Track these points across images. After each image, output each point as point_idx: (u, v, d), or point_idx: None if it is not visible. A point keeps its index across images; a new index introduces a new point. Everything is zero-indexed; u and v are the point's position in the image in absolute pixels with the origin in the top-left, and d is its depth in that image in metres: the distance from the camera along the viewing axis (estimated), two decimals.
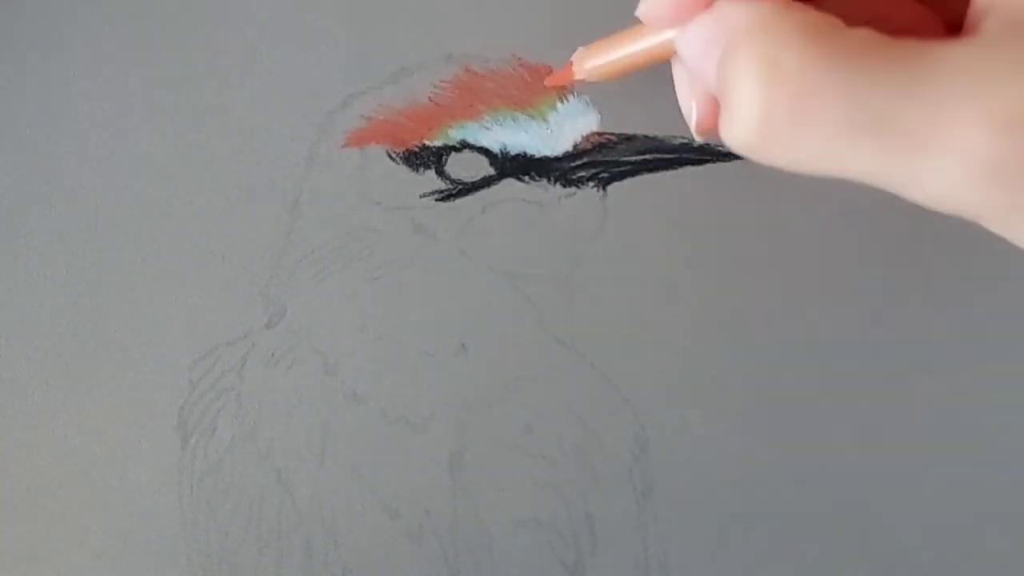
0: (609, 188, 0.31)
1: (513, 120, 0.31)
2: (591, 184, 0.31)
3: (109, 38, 0.33)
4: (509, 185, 0.31)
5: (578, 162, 0.31)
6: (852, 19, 0.19)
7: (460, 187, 0.31)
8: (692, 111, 0.21)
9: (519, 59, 0.31)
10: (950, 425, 0.30)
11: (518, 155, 0.31)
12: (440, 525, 0.30)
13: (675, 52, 0.22)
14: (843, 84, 0.16)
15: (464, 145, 0.31)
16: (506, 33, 0.31)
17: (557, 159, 0.31)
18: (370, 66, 0.32)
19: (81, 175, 0.33)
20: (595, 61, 0.26)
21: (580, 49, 0.27)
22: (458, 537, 0.30)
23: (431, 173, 0.31)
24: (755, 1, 0.18)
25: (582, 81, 0.27)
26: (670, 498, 0.30)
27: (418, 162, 0.31)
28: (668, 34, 0.21)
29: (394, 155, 0.31)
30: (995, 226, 0.17)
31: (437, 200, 0.31)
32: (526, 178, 0.31)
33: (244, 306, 0.31)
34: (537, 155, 0.31)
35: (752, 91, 0.17)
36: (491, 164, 0.31)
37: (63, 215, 0.32)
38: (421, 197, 0.31)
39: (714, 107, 0.20)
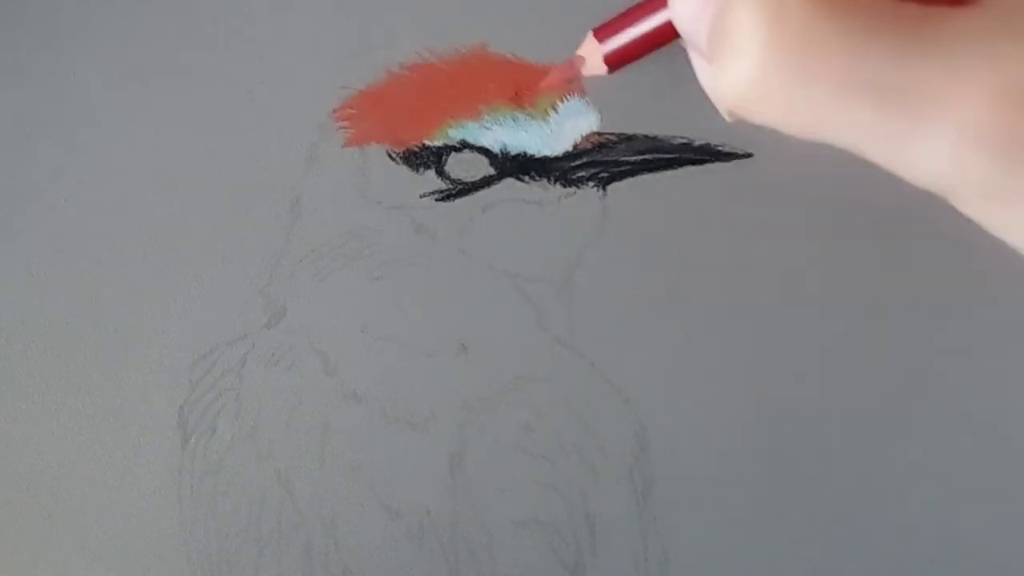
0: (609, 188, 0.31)
1: (513, 120, 0.31)
2: (591, 184, 0.31)
3: (109, 39, 0.33)
4: (509, 185, 0.31)
5: (578, 162, 0.31)
6: None
7: (460, 187, 0.31)
8: (715, 91, 0.20)
9: (518, 57, 0.31)
10: (953, 425, 0.30)
11: (518, 155, 0.31)
12: (440, 525, 0.30)
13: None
14: (847, 40, 0.15)
15: (464, 145, 0.31)
16: (508, 34, 0.31)
17: (557, 159, 0.31)
18: (372, 65, 0.32)
19: (80, 175, 0.33)
20: (607, 49, 0.25)
21: (587, 42, 0.26)
22: (458, 537, 0.30)
23: (431, 173, 0.31)
24: None
25: (587, 78, 0.26)
26: (670, 498, 0.30)
27: (418, 162, 0.31)
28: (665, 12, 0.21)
29: (394, 155, 0.31)
30: (972, 206, 0.16)
31: (437, 200, 0.31)
32: (526, 178, 0.31)
33: (244, 306, 0.31)
34: (537, 155, 0.31)
35: (753, 39, 0.16)
36: (491, 164, 0.31)
37: (62, 215, 0.32)
38: (421, 197, 0.31)
39: None
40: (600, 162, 0.31)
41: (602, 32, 0.25)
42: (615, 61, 0.25)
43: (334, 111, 0.32)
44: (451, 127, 0.31)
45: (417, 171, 0.31)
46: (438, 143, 0.31)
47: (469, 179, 0.31)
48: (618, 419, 0.30)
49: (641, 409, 0.30)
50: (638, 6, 0.23)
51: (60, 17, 0.34)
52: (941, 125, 0.15)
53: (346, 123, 0.32)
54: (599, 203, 0.31)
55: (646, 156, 0.31)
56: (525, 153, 0.31)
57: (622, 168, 0.31)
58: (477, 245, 0.31)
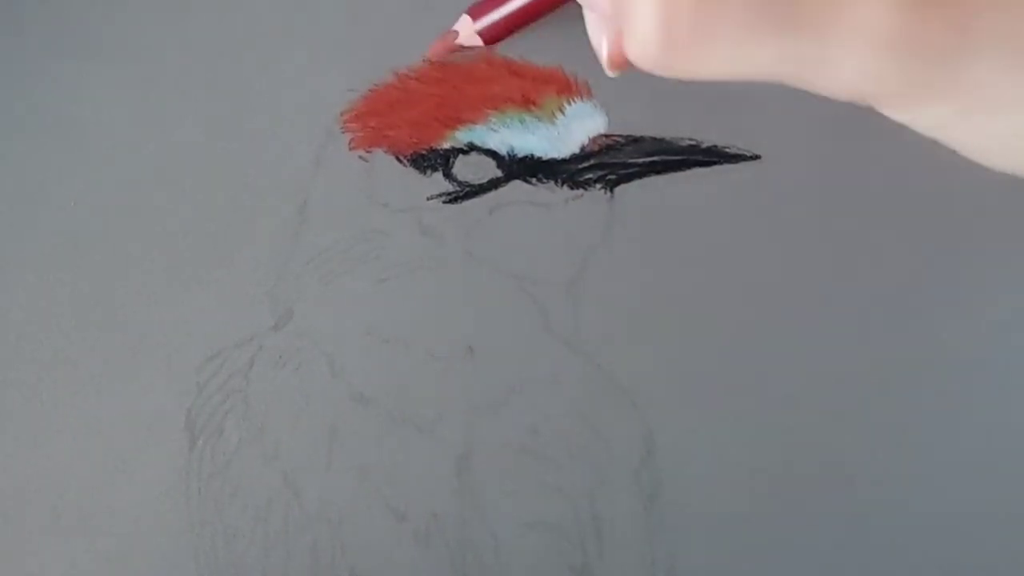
0: (616, 190, 0.31)
1: (520, 122, 0.31)
2: (598, 186, 0.31)
3: (117, 44, 0.34)
4: (516, 187, 0.31)
5: (585, 164, 0.31)
6: None
7: (467, 189, 0.31)
8: (602, 46, 0.21)
9: (525, 61, 0.31)
10: (959, 426, 0.30)
11: (525, 157, 0.31)
12: (447, 527, 0.30)
13: None
14: None
15: (471, 147, 0.31)
16: (515, 37, 0.31)
17: (564, 161, 0.31)
18: (378, 69, 0.32)
19: (88, 178, 0.33)
20: (486, 21, 0.24)
21: (462, 20, 0.25)
22: (465, 539, 0.30)
23: (438, 175, 0.31)
24: None
25: (469, 47, 0.25)
26: (677, 501, 0.30)
27: (425, 164, 0.31)
28: None
29: (401, 158, 0.32)
30: (895, 108, 0.17)
31: (444, 202, 0.31)
32: (533, 180, 0.31)
33: (251, 308, 0.31)
34: (544, 157, 0.31)
35: (651, 6, 0.16)
36: (498, 166, 0.31)
37: (71, 218, 0.32)
38: (428, 199, 0.31)
39: (621, 40, 0.19)
40: (607, 164, 0.31)
41: (478, 9, 0.25)
42: (490, 35, 0.25)
43: (341, 114, 0.32)
44: (458, 130, 0.31)
45: (424, 173, 0.31)
46: (445, 146, 0.31)
47: (476, 181, 0.31)
48: (625, 422, 0.30)
49: (648, 412, 0.30)
50: None
51: (69, 21, 0.34)
52: (850, 37, 0.15)
53: (353, 126, 0.32)
54: (606, 205, 0.31)
55: (653, 158, 0.31)
56: (532, 155, 0.31)
57: (629, 170, 0.31)
58: (484, 247, 0.31)
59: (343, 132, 0.32)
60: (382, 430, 0.30)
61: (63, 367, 0.32)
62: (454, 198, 0.31)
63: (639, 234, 0.31)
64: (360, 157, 0.32)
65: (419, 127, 0.32)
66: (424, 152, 0.31)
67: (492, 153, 0.31)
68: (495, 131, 0.31)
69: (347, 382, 0.31)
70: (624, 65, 0.20)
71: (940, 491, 0.30)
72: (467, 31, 0.24)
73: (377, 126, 0.32)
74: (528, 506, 0.30)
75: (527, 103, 0.31)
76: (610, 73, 0.20)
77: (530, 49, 0.31)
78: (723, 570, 0.29)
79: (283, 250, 0.32)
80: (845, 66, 0.16)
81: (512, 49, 0.31)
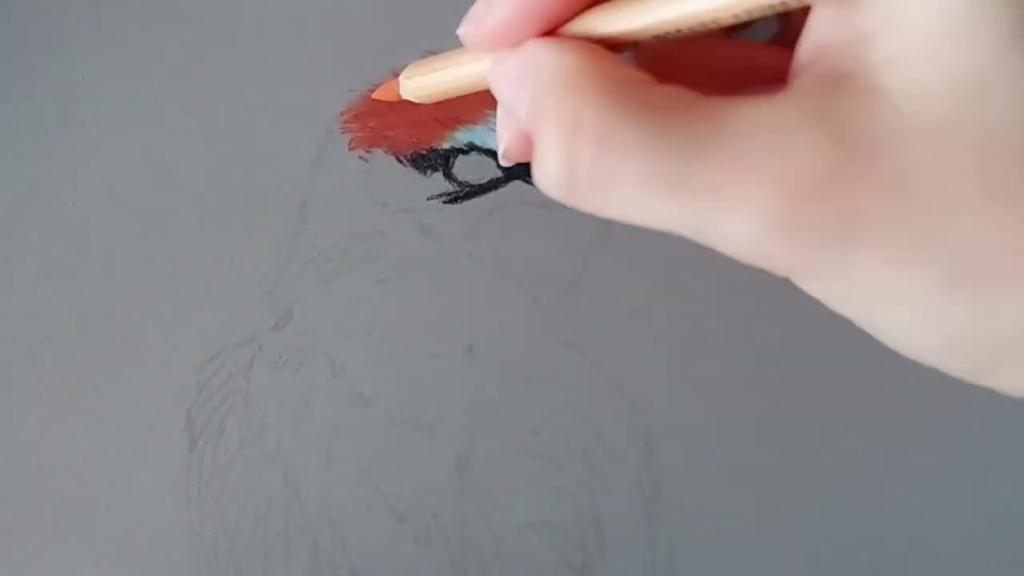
0: None
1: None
2: None
3: (117, 45, 0.33)
4: (516, 187, 0.31)
5: None
6: (684, 68, 0.19)
7: (467, 189, 0.31)
8: (502, 139, 0.21)
9: None
10: (959, 427, 0.30)
11: None
12: (447, 527, 0.30)
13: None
14: (641, 142, 0.16)
15: (471, 147, 0.31)
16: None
17: None
18: (378, 68, 0.32)
19: (88, 178, 0.33)
20: (420, 81, 0.23)
21: (411, 65, 0.24)
22: (465, 539, 0.30)
23: (438, 175, 0.31)
24: (562, 46, 0.18)
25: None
26: (677, 501, 0.30)
27: (425, 164, 0.31)
28: (486, 63, 0.20)
29: (401, 157, 0.32)
30: (794, 279, 0.17)
31: (444, 202, 0.31)
32: (533, 180, 0.31)
33: (251, 308, 0.31)
34: None
35: (554, 147, 0.17)
36: (498, 166, 0.31)
37: (71, 218, 0.32)
38: (428, 199, 0.31)
39: (523, 141, 0.19)
40: None
41: (413, 70, 0.23)
42: (428, 99, 0.24)
43: (341, 114, 0.32)
44: (458, 130, 0.31)
45: (424, 174, 0.31)
46: (445, 146, 0.31)
47: (476, 181, 0.31)
48: (625, 422, 0.30)
49: (648, 411, 0.30)
50: (460, 53, 0.22)
51: (69, 23, 0.34)
52: (738, 215, 0.15)
53: (353, 126, 0.32)
54: None
55: None
56: None
57: None
58: (484, 247, 0.31)
59: (343, 132, 0.32)
60: (382, 430, 0.30)
61: (62, 367, 0.32)
62: (454, 198, 0.31)
63: (639, 234, 0.31)
64: (360, 157, 0.32)
65: (419, 127, 0.32)
66: (424, 152, 0.31)
67: (492, 153, 0.31)
68: (495, 131, 0.31)
69: (347, 382, 0.31)
70: (520, 158, 0.20)
71: (940, 490, 0.30)
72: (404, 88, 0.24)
73: (377, 126, 0.32)
74: (528, 506, 0.30)
75: None
76: (503, 162, 0.21)
77: None
78: (723, 570, 0.29)
79: (283, 250, 0.32)
80: (738, 239, 0.16)
81: None
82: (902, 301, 0.16)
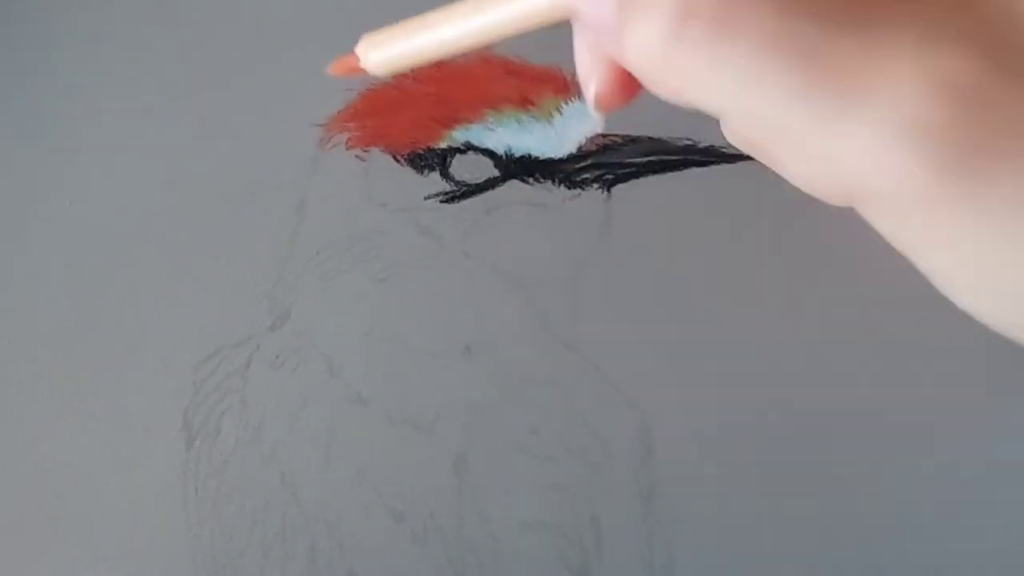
0: (613, 190, 0.31)
1: (517, 122, 0.31)
2: (595, 186, 0.31)
3: (116, 47, 0.33)
4: (514, 187, 0.31)
5: (583, 164, 0.31)
6: None
7: (465, 189, 0.31)
8: (591, 77, 0.18)
9: (522, 60, 0.31)
10: (961, 426, 0.30)
11: (522, 157, 0.31)
12: (445, 527, 0.30)
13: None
14: None
15: (469, 147, 0.31)
16: (513, 37, 0.31)
17: (562, 161, 0.31)
18: None
19: (86, 178, 0.33)
20: (387, 52, 0.21)
21: (370, 35, 0.22)
22: (463, 539, 0.29)
23: (436, 175, 0.31)
24: None
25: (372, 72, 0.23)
26: (675, 500, 0.30)
27: (423, 164, 0.31)
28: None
29: (399, 157, 0.32)
30: (890, 215, 0.14)
31: (442, 202, 0.31)
32: (531, 180, 0.31)
33: (249, 308, 0.31)
34: (541, 157, 0.31)
35: None
36: (496, 166, 0.31)
37: (68, 217, 0.32)
38: (426, 199, 0.31)
39: (617, 74, 0.17)
40: (605, 164, 0.31)
41: (376, 40, 0.22)
42: (388, 68, 0.22)
43: (339, 113, 0.32)
44: (455, 129, 0.31)
45: (422, 173, 0.31)
46: (442, 145, 0.31)
47: (473, 181, 0.31)
48: (623, 421, 0.30)
49: (646, 411, 0.30)
50: (418, 19, 0.20)
51: (68, 25, 0.34)
52: (869, 109, 0.13)
53: (351, 125, 0.32)
54: (603, 205, 0.31)
55: (651, 158, 0.31)
56: (529, 155, 0.31)
57: (627, 170, 0.31)
58: (482, 247, 0.31)
59: (341, 131, 0.32)
60: (380, 430, 0.30)
61: (60, 367, 0.31)
62: (451, 198, 0.31)
63: (637, 233, 0.31)
64: (357, 156, 0.32)
65: (416, 127, 0.32)
66: (421, 152, 0.31)
67: (489, 153, 0.31)
68: (492, 131, 0.31)
69: (345, 382, 0.31)
70: (614, 102, 0.18)
71: (941, 489, 0.30)
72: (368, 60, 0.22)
73: (374, 125, 0.32)
74: (526, 506, 0.30)
75: (524, 103, 0.31)
76: (595, 111, 0.18)
77: (527, 49, 0.31)
78: (721, 569, 0.29)
79: (280, 250, 0.32)
80: (851, 141, 0.13)
81: (509, 49, 0.31)
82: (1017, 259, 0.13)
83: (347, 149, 0.32)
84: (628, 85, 0.17)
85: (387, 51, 0.21)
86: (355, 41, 0.33)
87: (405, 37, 0.21)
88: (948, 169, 0.13)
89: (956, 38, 0.13)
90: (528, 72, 0.31)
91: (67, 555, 0.30)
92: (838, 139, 0.14)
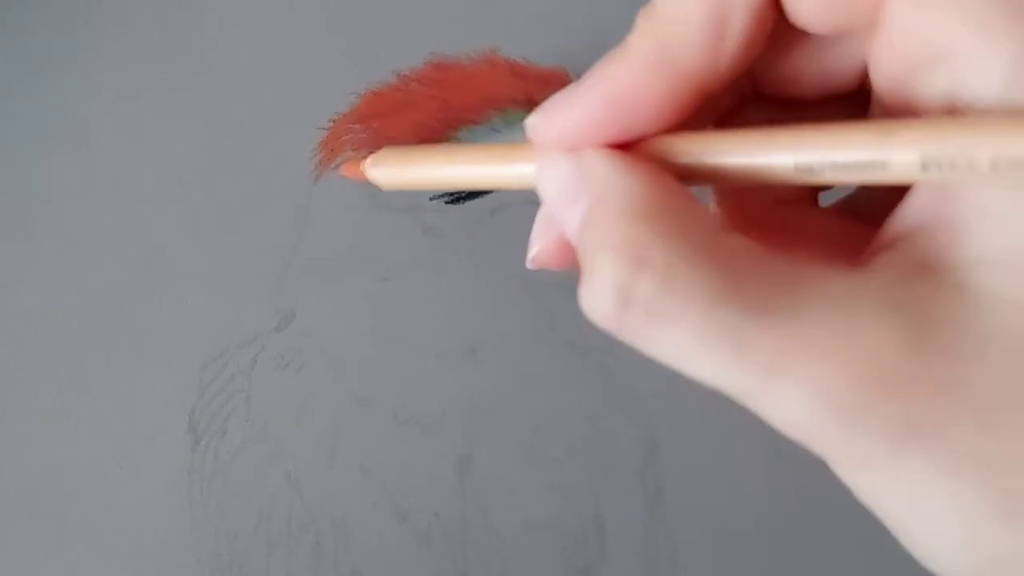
0: None
1: (523, 123, 0.31)
2: None
3: (120, 49, 0.34)
4: None
5: None
6: (750, 219, 0.18)
7: (469, 190, 0.31)
8: (536, 242, 0.19)
9: (529, 62, 0.31)
10: None
11: None
12: (449, 526, 0.30)
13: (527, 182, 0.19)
14: (707, 290, 0.15)
15: None
16: (515, 36, 0.31)
17: None
18: (379, 71, 0.32)
19: (92, 180, 0.33)
20: (392, 173, 0.22)
21: (383, 151, 0.23)
22: (467, 539, 0.30)
23: None
24: (628, 164, 0.16)
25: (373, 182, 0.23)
26: (679, 500, 0.30)
27: None
28: (523, 166, 0.19)
29: None
30: (840, 471, 0.16)
31: (447, 203, 0.31)
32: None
33: (254, 309, 0.31)
34: None
35: (611, 276, 0.15)
36: None
37: (75, 219, 0.32)
38: (431, 200, 0.31)
39: (562, 250, 0.18)
40: None
41: (385, 158, 0.22)
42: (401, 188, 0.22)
43: (343, 116, 0.32)
44: (460, 131, 0.31)
45: None
46: None
47: None
48: (628, 422, 0.30)
49: (651, 412, 0.30)
50: (432, 149, 0.21)
51: (69, 26, 0.34)
52: (796, 389, 0.15)
53: (355, 127, 0.32)
54: None
55: None
56: None
57: None
58: (487, 248, 0.31)
59: (345, 133, 0.32)
60: (384, 430, 0.30)
61: (66, 368, 0.32)
62: (456, 199, 0.31)
63: None
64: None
65: (421, 128, 0.32)
66: None
67: None
68: (498, 132, 0.31)
69: (349, 382, 0.31)
70: (549, 266, 0.19)
71: None
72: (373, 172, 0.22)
73: (379, 127, 0.32)
74: (530, 506, 0.30)
75: (530, 104, 0.31)
76: (531, 266, 0.19)
77: (533, 50, 0.31)
78: (724, 569, 0.29)
79: (285, 251, 0.32)
80: (787, 412, 0.15)
81: (515, 50, 0.31)
82: (946, 515, 0.15)
83: (352, 151, 0.32)
84: (569, 258, 0.18)
85: (392, 172, 0.22)
86: (355, 45, 0.33)
87: (412, 163, 0.22)
88: (862, 446, 0.15)
89: (877, 326, 0.15)
90: (533, 74, 0.31)
91: (75, 554, 0.30)
92: (770, 410, 0.15)
